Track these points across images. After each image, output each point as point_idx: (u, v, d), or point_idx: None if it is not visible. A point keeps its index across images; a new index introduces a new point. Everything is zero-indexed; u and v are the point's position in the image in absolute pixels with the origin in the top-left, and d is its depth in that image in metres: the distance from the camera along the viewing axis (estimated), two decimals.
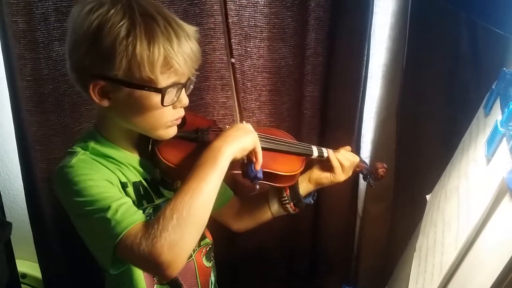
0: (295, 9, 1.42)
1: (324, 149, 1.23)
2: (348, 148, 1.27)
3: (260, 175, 1.02)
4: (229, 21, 1.42)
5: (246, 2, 1.39)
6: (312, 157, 1.21)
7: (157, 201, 1.06)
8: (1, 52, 1.29)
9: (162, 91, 0.92)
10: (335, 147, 1.27)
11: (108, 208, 0.89)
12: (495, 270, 0.63)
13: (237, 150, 0.96)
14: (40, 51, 1.28)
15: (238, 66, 1.47)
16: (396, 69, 1.55)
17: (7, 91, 1.33)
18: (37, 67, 1.29)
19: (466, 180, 0.90)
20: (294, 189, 1.21)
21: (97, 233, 0.91)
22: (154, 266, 0.84)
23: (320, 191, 1.31)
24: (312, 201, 1.28)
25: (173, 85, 0.94)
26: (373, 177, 1.30)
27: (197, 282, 1.16)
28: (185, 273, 1.13)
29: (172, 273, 0.85)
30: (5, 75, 1.31)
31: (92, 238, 0.94)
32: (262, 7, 1.40)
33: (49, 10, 1.26)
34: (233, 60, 1.07)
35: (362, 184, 1.70)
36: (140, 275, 1.06)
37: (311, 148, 1.22)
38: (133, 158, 1.05)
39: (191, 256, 1.13)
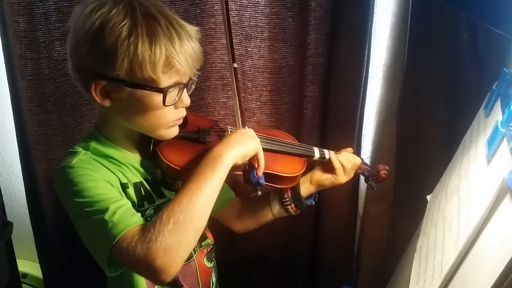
0: (295, 9, 1.42)
1: (325, 151, 1.23)
2: (350, 149, 1.27)
3: (262, 181, 1.01)
4: (230, 21, 1.42)
5: (246, 2, 1.39)
6: (314, 158, 1.21)
7: (158, 202, 1.06)
8: (2, 52, 1.29)
9: (163, 91, 0.92)
10: (336, 147, 1.27)
11: (106, 209, 0.89)
12: (496, 270, 0.63)
13: (238, 156, 0.95)
14: (41, 51, 1.29)
15: (239, 66, 1.47)
16: (397, 69, 1.55)
17: (8, 90, 1.33)
18: (38, 67, 1.29)
19: (467, 181, 0.91)
20: (295, 190, 1.21)
21: (94, 234, 0.91)
22: (149, 271, 0.84)
23: (321, 192, 1.31)
24: (314, 203, 1.28)
25: (174, 85, 0.94)
26: (375, 179, 1.29)
27: (198, 283, 1.16)
28: (186, 273, 1.13)
29: (167, 278, 0.85)
30: (6, 75, 1.31)
31: (89, 239, 0.94)
32: (262, 7, 1.41)
33: (50, 10, 1.26)
34: (235, 65, 1.07)
35: (363, 184, 1.70)
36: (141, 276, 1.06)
37: (313, 149, 1.21)
38: (134, 158, 1.05)
39: (192, 256, 1.13)
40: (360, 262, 1.83)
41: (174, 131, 1.03)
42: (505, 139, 0.80)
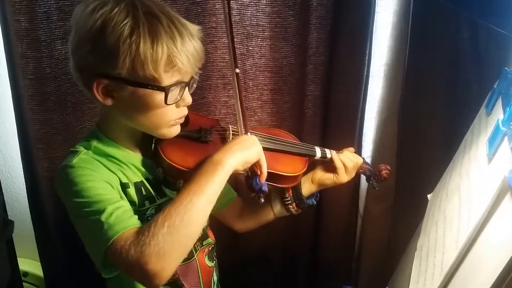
0: (297, 8, 1.42)
1: (327, 150, 1.23)
2: (352, 149, 1.27)
3: (265, 188, 1.01)
4: (231, 20, 1.42)
5: (248, 1, 1.39)
6: (315, 158, 1.21)
7: (159, 201, 1.06)
8: (4, 51, 1.29)
9: (165, 90, 0.92)
10: (337, 146, 1.27)
11: (103, 211, 0.89)
12: (496, 269, 0.63)
13: (239, 163, 0.95)
14: (42, 50, 1.29)
15: (240, 65, 1.47)
16: (398, 68, 1.55)
17: (10, 89, 1.33)
18: (40, 65, 1.29)
19: (468, 180, 0.90)
20: (296, 189, 1.21)
21: (91, 235, 0.92)
22: (141, 274, 0.84)
23: (322, 191, 1.31)
24: (315, 202, 1.28)
25: (176, 83, 0.94)
26: (376, 179, 1.29)
27: (200, 282, 1.16)
28: (188, 272, 1.13)
29: (160, 282, 0.85)
30: (7, 73, 1.31)
31: (86, 240, 0.94)
32: (264, 6, 1.41)
33: (52, 9, 1.26)
34: (237, 70, 1.07)
35: (364, 184, 1.70)
36: None
37: (314, 148, 1.22)
38: (135, 157, 1.05)
39: (193, 255, 1.13)
40: (361, 262, 1.84)
41: (175, 130, 1.03)
42: (506, 138, 0.80)
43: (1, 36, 1.27)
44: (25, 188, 1.48)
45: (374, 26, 1.44)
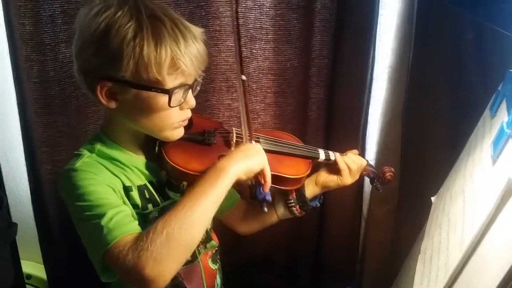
0: (300, 11, 1.42)
1: (331, 152, 1.23)
2: (356, 151, 1.27)
3: (268, 197, 1.01)
4: (234, 23, 1.43)
5: (252, 4, 1.40)
6: (319, 160, 1.21)
7: (162, 204, 1.06)
8: (9, 54, 1.30)
9: (169, 92, 0.92)
10: (341, 148, 1.27)
11: (104, 215, 0.89)
12: (500, 272, 0.63)
13: (242, 171, 0.95)
14: (47, 53, 1.29)
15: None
16: (402, 70, 1.55)
17: (14, 92, 1.34)
18: (44, 69, 1.30)
19: (472, 182, 0.90)
20: (300, 192, 1.20)
21: (91, 239, 0.92)
22: (138, 280, 0.83)
23: (325, 193, 1.31)
24: (319, 204, 1.27)
25: (180, 86, 0.94)
26: (380, 181, 1.29)
27: (203, 285, 1.16)
28: (191, 275, 1.12)
29: None
30: (12, 77, 1.32)
31: (87, 243, 0.94)
32: (267, 9, 1.41)
33: (56, 12, 1.27)
34: (243, 77, 1.07)
35: (367, 186, 1.70)
36: None
37: (318, 151, 1.21)
38: (139, 160, 1.05)
39: (197, 258, 1.13)
40: (364, 264, 1.83)
41: (179, 133, 1.03)
42: (510, 140, 0.79)
43: (6, 40, 1.27)
44: (29, 191, 1.48)
45: (378, 28, 1.44)
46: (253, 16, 1.41)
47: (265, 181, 1.00)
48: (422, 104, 1.49)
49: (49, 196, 1.45)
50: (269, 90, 1.52)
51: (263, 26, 1.43)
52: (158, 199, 1.05)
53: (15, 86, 1.33)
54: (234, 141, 1.11)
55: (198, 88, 1.02)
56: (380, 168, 1.29)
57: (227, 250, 1.33)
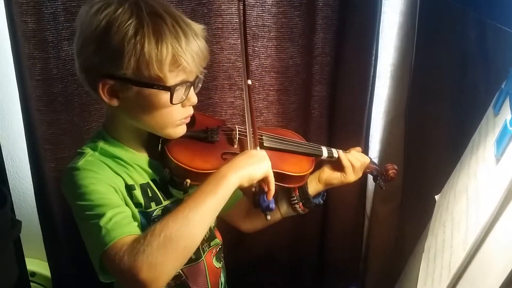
0: (303, 9, 1.42)
1: (334, 150, 1.23)
2: (359, 149, 1.27)
3: (272, 205, 0.99)
4: (237, 21, 1.43)
5: (254, 1, 1.40)
6: (322, 157, 1.21)
7: (165, 202, 1.06)
8: (11, 52, 1.30)
9: (171, 89, 0.92)
10: (343, 146, 1.27)
11: (103, 215, 0.89)
12: (504, 270, 0.63)
13: (243, 178, 0.94)
14: (49, 50, 1.29)
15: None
16: (405, 68, 1.54)
17: (17, 90, 1.34)
18: (47, 66, 1.30)
19: (475, 180, 0.90)
20: (303, 189, 1.20)
21: (90, 238, 0.92)
22: (133, 283, 0.83)
23: (328, 192, 1.31)
24: (322, 201, 1.27)
25: (181, 83, 0.94)
26: (383, 179, 1.29)
27: (207, 283, 1.15)
28: (195, 274, 1.12)
29: None
30: (15, 74, 1.32)
31: (86, 242, 0.94)
32: (270, 7, 1.41)
33: (59, 10, 1.27)
34: (249, 82, 1.06)
35: (371, 184, 1.70)
36: None
37: (321, 148, 1.21)
38: (141, 158, 1.05)
39: (201, 256, 1.13)
40: (368, 262, 1.83)
41: (181, 130, 1.03)
42: None
43: (9, 37, 1.27)
44: (32, 189, 1.49)
45: (380, 26, 1.44)
46: (255, 14, 1.41)
47: (268, 188, 0.99)
48: (425, 102, 1.49)
49: (53, 193, 1.45)
50: (271, 88, 1.52)
51: (266, 24, 1.43)
52: (161, 198, 1.05)
53: (17, 84, 1.33)
54: (237, 138, 1.11)
55: (200, 85, 1.02)
56: (383, 166, 1.29)
57: (231, 249, 1.33)
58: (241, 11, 1.13)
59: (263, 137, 1.13)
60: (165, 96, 0.93)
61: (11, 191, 1.43)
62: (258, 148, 1.05)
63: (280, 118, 1.56)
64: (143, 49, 0.88)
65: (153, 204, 1.03)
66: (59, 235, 1.52)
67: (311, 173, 1.19)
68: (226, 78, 1.51)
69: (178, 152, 1.02)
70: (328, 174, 1.23)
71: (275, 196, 1.23)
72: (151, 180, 1.05)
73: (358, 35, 1.44)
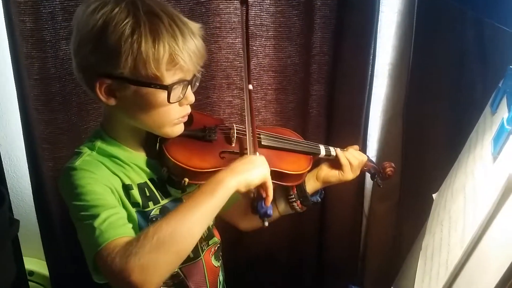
0: (301, 8, 1.42)
1: (331, 148, 1.23)
2: (356, 147, 1.27)
3: (270, 212, 0.99)
4: (235, 20, 1.43)
5: (252, 0, 1.39)
6: (320, 156, 1.21)
7: (163, 202, 1.06)
8: (9, 51, 1.30)
9: (168, 88, 0.92)
10: (341, 146, 1.27)
11: (97, 216, 0.89)
12: (501, 268, 0.63)
13: (241, 184, 0.93)
14: (47, 50, 1.29)
15: (244, 65, 1.47)
16: (403, 67, 1.54)
17: (15, 90, 1.34)
18: (45, 66, 1.30)
19: (473, 179, 0.90)
20: (301, 187, 1.21)
21: (84, 239, 0.92)
22: (124, 285, 0.82)
23: (326, 191, 1.31)
24: (320, 199, 1.28)
25: (179, 82, 0.94)
26: (381, 177, 1.29)
27: (206, 282, 1.15)
28: (194, 273, 1.12)
29: None
30: (12, 74, 1.32)
31: (82, 242, 0.93)
32: (268, 6, 1.41)
33: (56, 9, 1.27)
34: (250, 86, 1.06)
35: (368, 183, 1.70)
36: None
37: (319, 147, 1.22)
38: (139, 157, 1.05)
39: (199, 255, 1.12)
40: (366, 261, 1.83)
41: (179, 129, 1.03)
42: (510, 136, 0.79)
43: (6, 37, 1.27)
44: (30, 188, 1.49)
45: (378, 25, 1.44)
46: (254, 13, 1.41)
47: (267, 194, 0.99)
48: (423, 101, 1.49)
49: (51, 193, 1.45)
50: (269, 87, 1.52)
51: (264, 23, 1.43)
52: (158, 197, 1.05)
53: (15, 83, 1.33)
54: (235, 137, 1.12)
55: (197, 84, 1.02)
56: (381, 164, 1.29)
57: (229, 247, 1.33)
58: (244, 15, 1.13)
59: (261, 136, 1.14)
60: (162, 95, 0.93)
61: (9, 190, 1.43)
62: (258, 153, 1.04)
63: (278, 117, 1.56)
64: (140, 48, 0.88)
65: (150, 204, 1.03)
66: (57, 234, 1.52)
67: (309, 171, 1.19)
68: (224, 77, 1.51)
69: (176, 151, 1.02)
70: (326, 172, 1.23)
71: (273, 194, 1.25)
72: (149, 179, 1.05)
73: (356, 34, 1.44)
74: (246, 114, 1.08)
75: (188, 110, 1.02)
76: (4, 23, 1.26)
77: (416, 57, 1.49)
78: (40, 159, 1.41)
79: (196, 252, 1.10)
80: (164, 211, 1.04)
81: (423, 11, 1.43)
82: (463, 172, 0.98)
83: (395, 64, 1.54)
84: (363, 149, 1.58)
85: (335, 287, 1.80)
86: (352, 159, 1.21)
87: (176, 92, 0.95)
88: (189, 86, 0.98)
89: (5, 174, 1.43)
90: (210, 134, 1.09)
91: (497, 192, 0.72)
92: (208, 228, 1.16)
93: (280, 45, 1.46)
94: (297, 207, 1.22)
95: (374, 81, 1.53)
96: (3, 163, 1.41)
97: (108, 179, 0.97)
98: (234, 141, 1.11)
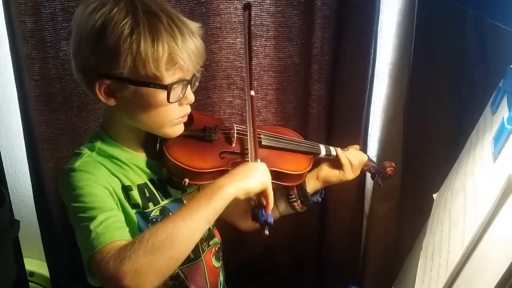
0: (301, 8, 1.42)
1: (332, 148, 1.23)
2: (357, 146, 1.27)
3: (270, 220, 0.98)
4: (235, 20, 1.43)
5: (252, 0, 1.39)
6: (320, 155, 1.21)
7: (163, 202, 1.06)
8: (10, 52, 1.30)
9: (168, 88, 0.92)
10: (342, 145, 1.27)
11: (94, 218, 0.89)
12: (501, 267, 0.63)
13: (239, 191, 0.92)
14: (47, 50, 1.30)
15: (244, 65, 1.47)
16: (403, 67, 1.54)
17: (16, 90, 1.34)
18: (45, 66, 1.30)
19: (473, 178, 0.90)
20: (301, 187, 1.21)
21: (80, 240, 0.91)
22: None
23: (327, 191, 1.31)
24: (320, 199, 1.27)
25: (178, 81, 0.94)
26: (381, 176, 1.29)
27: (206, 283, 1.15)
28: (194, 274, 1.12)
29: None
30: (13, 74, 1.32)
31: (78, 244, 0.93)
32: (268, 6, 1.41)
33: (57, 10, 1.28)
34: (252, 92, 1.05)
35: (369, 183, 1.70)
36: None
37: (319, 146, 1.22)
38: (139, 158, 1.05)
39: (200, 256, 1.12)
40: (366, 261, 1.83)
41: (179, 129, 1.02)
42: (511, 136, 0.79)
43: (7, 37, 1.27)
44: (31, 188, 1.49)
45: (378, 25, 1.44)
46: (254, 13, 1.41)
47: (267, 202, 0.98)
48: (424, 100, 1.49)
49: (52, 193, 1.45)
50: (270, 87, 1.52)
51: (264, 23, 1.43)
52: (158, 198, 1.05)
53: (16, 84, 1.33)
54: (235, 137, 1.11)
55: (197, 83, 1.02)
56: (381, 163, 1.29)
57: (229, 248, 1.33)
58: (247, 21, 1.12)
59: (261, 136, 1.14)
60: (162, 94, 0.93)
61: (9, 190, 1.43)
62: (259, 160, 1.03)
63: (279, 117, 1.56)
64: (139, 48, 0.88)
65: (150, 205, 1.03)
66: (58, 235, 1.52)
67: (310, 171, 1.19)
68: (224, 77, 1.51)
69: (176, 151, 1.02)
70: (327, 172, 1.23)
71: (273, 194, 1.25)
72: (149, 180, 1.05)
73: (356, 34, 1.44)
74: (247, 120, 1.08)
75: (188, 110, 1.01)
76: (4, 23, 1.26)
77: (417, 57, 1.49)
78: (40, 159, 1.41)
79: (196, 252, 1.10)
80: (164, 212, 1.04)
81: (423, 11, 1.43)
82: (463, 172, 0.98)
83: (396, 63, 1.54)
84: (364, 149, 1.58)
85: (336, 287, 1.80)
86: (353, 159, 1.21)
87: (176, 92, 0.94)
88: (189, 86, 0.98)
89: (6, 174, 1.43)
90: (211, 134, 1.09)
91: (497, 191, 0.72)
92: (209, 229, 1.16)
93: (280, 45, 1.46)
94: (298, 207, 1.22)
95: (374, 80, 1.53)
96: (3, 163, 1.41)
97: (107, 181, 0.96)
98: (235, 141, 1.11)
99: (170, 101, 0.94)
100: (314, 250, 1.80)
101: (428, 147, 1.49)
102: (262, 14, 1.41)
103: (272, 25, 1.43)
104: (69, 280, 1.61)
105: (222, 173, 1.04)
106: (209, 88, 1.51)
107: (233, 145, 1.11)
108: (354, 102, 1.52)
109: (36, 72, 1.30)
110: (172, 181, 1.06)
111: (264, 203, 0.98)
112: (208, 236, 1.16)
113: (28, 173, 1.46)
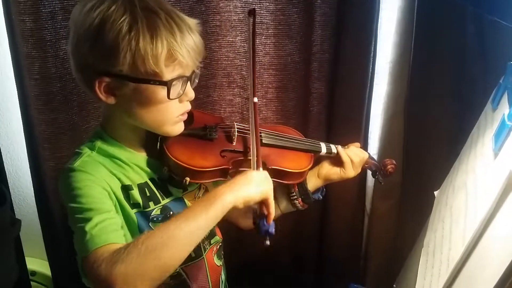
0: (301, 6, 1.42)
1: (332, 146, 1.23)
2: (358, 144, 1.27)
3: (272, 230, 0.96)
4: (235, 18, 1.43)
5: None
6: (321, 153, 1.21)
7: (164, 201, 1.05)
8: (9, 51, 1.30)
9: (167, 84, 0.92)
10: (342, 143, 1.27)
11: (89, 220, 0.88)
12: (502, 264, 0.63)
13: (238, 200, 0.91)
14: (47, 49, 1.30)
15: (244, 63, 1.47)
16: (403, 64, 1.54)
17: (16, 89, 1.34)
18: (45, 65, 1.30)
19: (474, 175, 0.90)
20: (302, 185, 1.21)
21: (76, 241, 0.91)
22: None
23: (328, 189, 1.31)
24: (321, 197, 1.27)
25: (178, 77, 0.94)
26: (382, 174, 1.29)
27: (208, 282, 1.15)
28: (196, 272, 1.12)
29: None
30: (13, 73, 1.32)
31: (75, 244, 0.93)
32: (268, 4, 1.41)
33: (56, 8, 1.28)
34: (255, 99, 1.05)
35: (370, 181, 1.70)
36: None
37: (320, 144, 1.21)
38: (139, 157, 1.05)
39: (201, 255, 1.12)
40: (368, 259, 1.83)
41: (179, 127, 1.02)
42: (511, 132, 0.79)
43: (7, 36, 1.27)
44: (32, 187, 1.49)
45: (378, 22, 1.43)
46: None
47: (268, 212, 0.97)
48: (424, 98, 1.49)
49: (53, 192, 1.45)
50: (270, 86, 1.52)
51: (264, 21, 1.43)
52: (159, 197, 1.05)
53: (16, 83, 1.33)
54: (236, 136, 1.11)
55: (197, 80, 1.02)
56: (382, 161, 1.29)
57: (230, 247, 1.33)
58: (251, 26, 1.12)
59: (262, 134, 1.13)
60: (162, 91, 0.93)
61: (10, 190, 1.44)
62: (261, 169, 1.02)
63: (279, 115, 1.56)
64: (138, 45, 0.88)
65: (151, 204, 1.03)
66: (59, 234, 1.53)
67: (310, 169, 1.19)
68: (225, 76, 1.51)
69: (176, 150, 1.02)
70: (327, 170, 1.23)
71: (274, 191, 1.24)
72: (150, 179, 1.05)
73: (356, 32, 1.44)
74: (250, 126, 1.07)
75: (188, 106, 1.01)
76: (4, 22, 1.26)
77: (417, 54, 1.49)
78: (41, 158, 1.41)
79: (198, 251, 1.10)
80: (165, 211, 1.04)
81: (423, 8, 1.43)
82: (464, 169, 0.98)
83: (396, 61, 1.54)
84: (364, 146, 1.58)
85: (337, 286, 1.80)
86: (353, 156, 1.21)
87: (176, 88, 0.94)
88: (189, 82, 0.97)
89: (7, 173, 1.43)
90: (211, 133, 1.09)
91: (498, 188, 0.72)
92: None
93: (280, 43, 1.46)
94: (299, 205, 1.22)
95: (374, 78, 1.52)
96: (4, 162, 1.41)
97: (106, 181, 0.96)
98: (235, 139, 1.11)
99: (170, 97, 0.93)
100: (315, 249, 1.80)
101: (429, 144, 1.49)
102: (262, 12, 1.41)
103: (272, 23, 1.43)
104: (71, 279, 1.60)
105: (223, 171, 1.05)
106: (209, 87, 1.51)
107: (234, 143, 1.11)
108: (354, 100, 1.52)
109: (36, 71, 1.30)
110: (172, 180, 1.06)
111: (265, 212, 0.97)
112: (210, 234, 1.16)
113: (29, 172, 1.46)
